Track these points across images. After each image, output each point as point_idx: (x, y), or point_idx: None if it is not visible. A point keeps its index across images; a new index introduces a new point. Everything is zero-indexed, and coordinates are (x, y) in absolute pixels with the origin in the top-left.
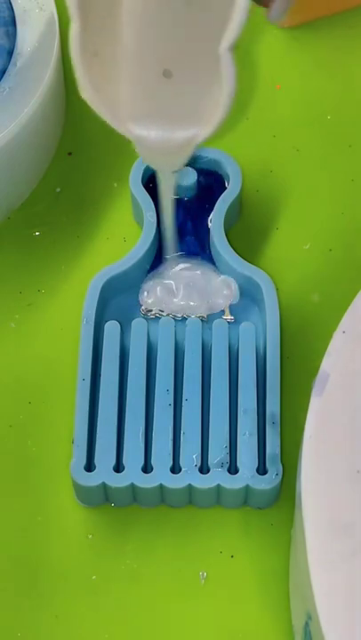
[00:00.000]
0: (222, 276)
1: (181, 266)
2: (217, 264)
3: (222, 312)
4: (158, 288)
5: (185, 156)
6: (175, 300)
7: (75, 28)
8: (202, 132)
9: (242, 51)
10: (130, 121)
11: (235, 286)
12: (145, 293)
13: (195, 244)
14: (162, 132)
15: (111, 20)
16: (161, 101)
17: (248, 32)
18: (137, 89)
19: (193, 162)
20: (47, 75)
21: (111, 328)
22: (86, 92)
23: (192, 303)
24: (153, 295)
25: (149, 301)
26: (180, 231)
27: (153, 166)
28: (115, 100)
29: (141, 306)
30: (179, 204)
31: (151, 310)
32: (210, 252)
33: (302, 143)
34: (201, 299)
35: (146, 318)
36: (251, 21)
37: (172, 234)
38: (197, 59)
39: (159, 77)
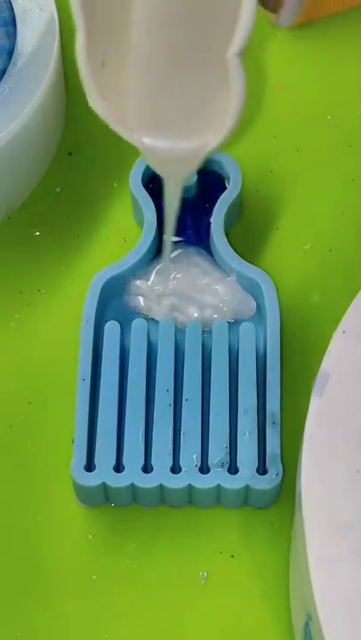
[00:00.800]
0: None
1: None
2: (217, 264)
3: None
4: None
5: (194, 165)
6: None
7: (81, 37)
8: (211, 141)
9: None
10: (138, 130)
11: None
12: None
13: (195, 243)
14: (171, 142)
15: (118, 29)
16: (170, 111)
17: None
18: (145, 98)
19: None
20: (47, 75)
21: (111, 328)
22: (94, 101)
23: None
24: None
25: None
26: (181, 231)
27: (162, 174)
28: (123, 109)
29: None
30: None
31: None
32: (210, 251)
33: (302, 143)
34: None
35: (146, 318)
36: None
37: (170, 241)
38: (207, 67)
39: (168, 87)
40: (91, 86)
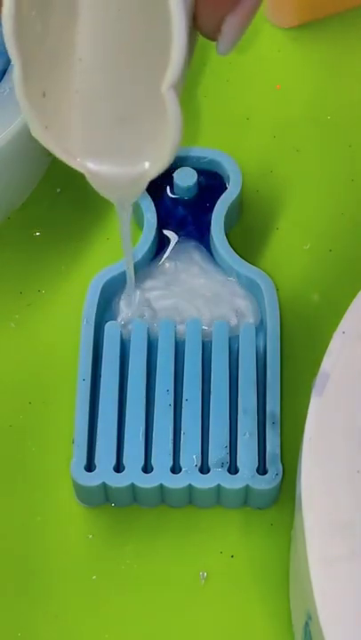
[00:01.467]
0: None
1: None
2: (217, 264)
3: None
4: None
5: (138, 190)
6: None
7: (17, 71)
8: (152, 168)
9: (242, 51)
10: (81, 156)
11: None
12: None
13: (195, 239)
14: (113, 168)
15: (57, 60)
16: (112, 138)
17: (248, 32)
18: (87, 126)
19: (193, 162)
20: None
21: (111, 328)
22: (35, 131)
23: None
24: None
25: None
26: (181, 231)
27: (108, 198)
28: (65, 135)
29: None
30: (179, 203)
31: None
32: (210, 251)
33: (302, 143)
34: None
35: (146, 318)
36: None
37: (131, 266)
38: (146, 98)
39: (109, 116)
40: (31, 117)
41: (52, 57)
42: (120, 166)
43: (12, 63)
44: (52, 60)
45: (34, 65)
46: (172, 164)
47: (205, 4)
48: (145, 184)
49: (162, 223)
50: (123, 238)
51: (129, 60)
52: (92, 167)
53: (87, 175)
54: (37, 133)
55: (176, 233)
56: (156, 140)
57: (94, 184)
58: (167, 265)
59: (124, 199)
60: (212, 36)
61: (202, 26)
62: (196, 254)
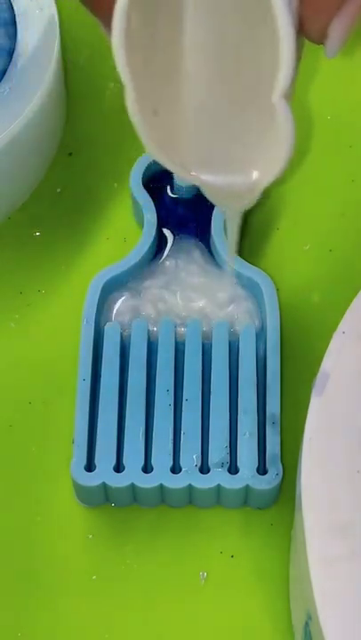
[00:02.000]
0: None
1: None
2: (217, 264)
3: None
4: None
5: (251, 200)
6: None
7: (130, 94)
8: (264, 178)
9: None
10: (195, 169)
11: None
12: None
13: (196, 236)
14: (228, 178)
15: (167, 79)
16: (224, 150)
17: None
18: (198, 139)
19: None
20: (47, 75)
21: (111, 328)
22: (152, 150)
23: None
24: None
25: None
26: (181, 231)
27: (221, 207)
28: (178, 150)
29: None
30: (179, 203)
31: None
32: (210, 251)
33: (302, 143)
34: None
35: (146, 318)
36: None
37: (233, 259)
38: (257, 108)
39: (220, 127)
40: (147, 137)
41: (160, 74)
42: (233, 177)
43: (122, 82)
44: (160, 77)
45: (143, 84)
46: None
47: (311, 10)
48: (258, 193)
49: (162, 223)
50: (229, 242)
51: (237, 70)
52: (206, 179)
53: (202, 187)
54: (153, 151)
55: (176, 232)
56: (269, 149)
57: (209, 195)
58: (167, 263)
59: (237, 208)
60: (319, 40)
61: (308, 31)
62: (196, 253)
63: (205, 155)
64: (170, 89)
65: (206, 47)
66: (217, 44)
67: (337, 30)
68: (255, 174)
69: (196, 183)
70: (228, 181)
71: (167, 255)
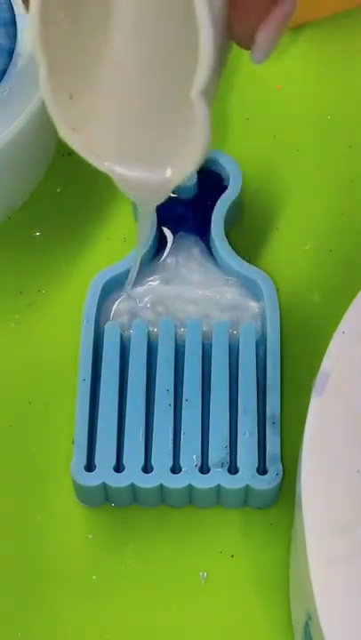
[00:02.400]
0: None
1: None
2: (217, 264)
3: (222, 312)
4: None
5: (163, 195)
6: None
7: (43, 72)
8: (176, 175)
9: (242, 51)
10: (109, 159)
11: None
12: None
13: (196, 234)
14: (140, 173)
15: (85, 62)
16: (140, 143)
17: None
18: (115, 130)
19: None
20: None
21: (111, 328)
22: (62, 132)
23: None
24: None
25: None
26: (181, 230)
27: (134, 200)
28: (93, 138)
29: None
30: (179, 203)
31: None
32: (210, 251)
33: (302, 143)
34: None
35: (146, 318)
36: None
37: (137, 266)
38: (176, 104)
39: (138, 120)
40: (59, 119)
41: (80, 59)
42: (146, 172)
43: (36, 61)
44: (79, 61)
45: (60, 65)
46: None
47: (236, 14)
48: (170, 189)
49: (162, 222)
50: (138, 236)
51: (161, 66)
52: (120, 171)
53: (114, 178)
54: (64, 134)
55: (176, 231)
56: (184, 147)
57: (121, 187)
58: (168, 261)
59: (149, 202)
60: (246, 45)
61: (235, 35)
62: (195, 250)
63: (121, 147)
64: (89, 75)
65: (131, 38)
66: (143, 36)
67: (263, 36)
68: (168, 171)
69: (109, 174)
70: (141, 176)
71: (167, 253)
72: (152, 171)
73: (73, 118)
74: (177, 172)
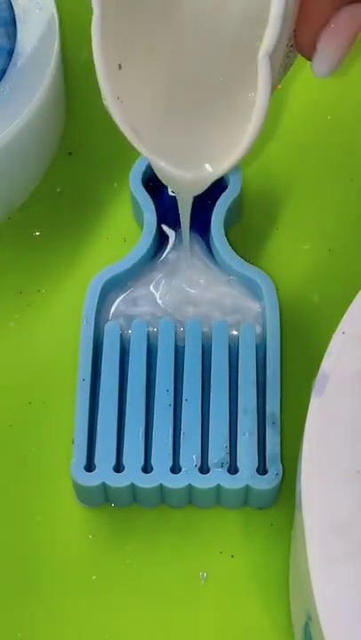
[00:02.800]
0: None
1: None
2: (217, 264)
3: (223, 312)
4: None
5: (198, 190)
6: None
7: (96, 25)
8: (219, 168)
9: None
10: (150, 145)
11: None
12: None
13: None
14: (173, 169)
15: (137, 37)
16: (185, 135)
17: None
18: (162, 116)
19: None
20: (47, 75)
21: (111, 328)
22: (107, 99)
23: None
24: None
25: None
26: (180, 229)
27: (171, 188)
28: (135, 115)
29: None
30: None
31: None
32: (211, 251)
33: (302, 143)
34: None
35: (146, 319)
36: None
37: (187, 243)
38: (228, 93)
39: (185, 107)
40: (106, 85)
41: (133, 32)
42: (179, 169)
43: (94, 14)
44: (132, 34)
45: (113, 30)
46: None
47: (303, 14)
48: (210, 182)
49: (162, 222)
50: (182, 221)
51: (217, 52)
52: (156, 160)
53: (151, 163)
54: (109, 102)
55: (176, 230)
56: (220, 144)
57: (158, 173)
58: (169, 257)
59: (187, 193)
60: (308, 53)
61: (297, 41)
62: (196, 247)
63: (161, 137)
64: (141, 50)
65: (189, 20)
66: (203, 18)
67: (324, 44)
68: (201, 169)
69: (145, 155)
70: (175, 173)
71: (169, 249)
72: (185, 169)
73: (119, 88)
74: (218, 167)
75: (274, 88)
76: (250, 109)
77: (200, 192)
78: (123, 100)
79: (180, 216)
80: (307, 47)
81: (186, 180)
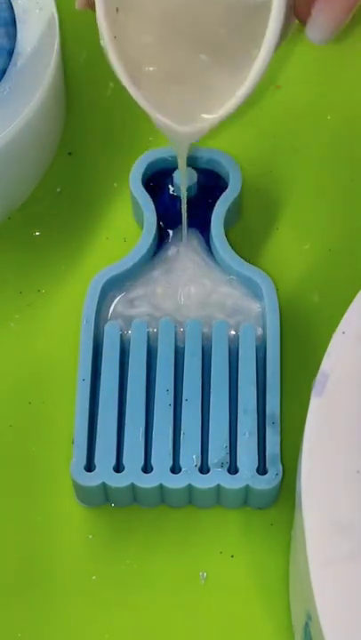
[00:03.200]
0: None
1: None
2: (217, 263)
3: (223, 310)
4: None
5: (195, 139)
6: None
7: None
8: (216, 115)
9: None
10: (147, 93)
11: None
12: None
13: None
14: (168, 121)
15: None
16: (182, 84)
17: None
18: (161, 63)
19: (193, 162)
20: (47, 75)
21: (111, 328)
22: (104, 38)
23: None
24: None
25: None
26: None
27: (166, 136)
28: (133, 60)
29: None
30: (179, 202)
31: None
32: (211, 251)
33: (302, 143)
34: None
35: (146, 319)
36: None
37: (185, 199)
38: (232, 42)
39: (186, 56)
40: (104, 23)
41: None
42: (176, 121)
43: None
44: None
45: None
46: (172, 164)
47: None
48: (207, 131)
49: (162, 222)
50: (180, 170)
51: (213, 12)
52: (151, 110)
53: (146, 113)
54: (105, 40)
55: (176, 229)
56: (215, 97)
57: (155, 121)
58: (169, 253)
59: (183, 141)
60: (304, 18)
61: (296, 7)
62: (195, 242)
63: (156, 93)
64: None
65: None
66: None
67: (319, 11)
68: (197, 121)
69: (139, 103)
70: (170, 126)
71: (168, 248)
72: (181, 122)
73: (116, 28)
74: (215, 115)
75: (277, 45)
76: (249, 61)
77: (196, 140)
78: (119, 40)
79: (178, 164)
80: (303, 12)
81: (181, 133)
